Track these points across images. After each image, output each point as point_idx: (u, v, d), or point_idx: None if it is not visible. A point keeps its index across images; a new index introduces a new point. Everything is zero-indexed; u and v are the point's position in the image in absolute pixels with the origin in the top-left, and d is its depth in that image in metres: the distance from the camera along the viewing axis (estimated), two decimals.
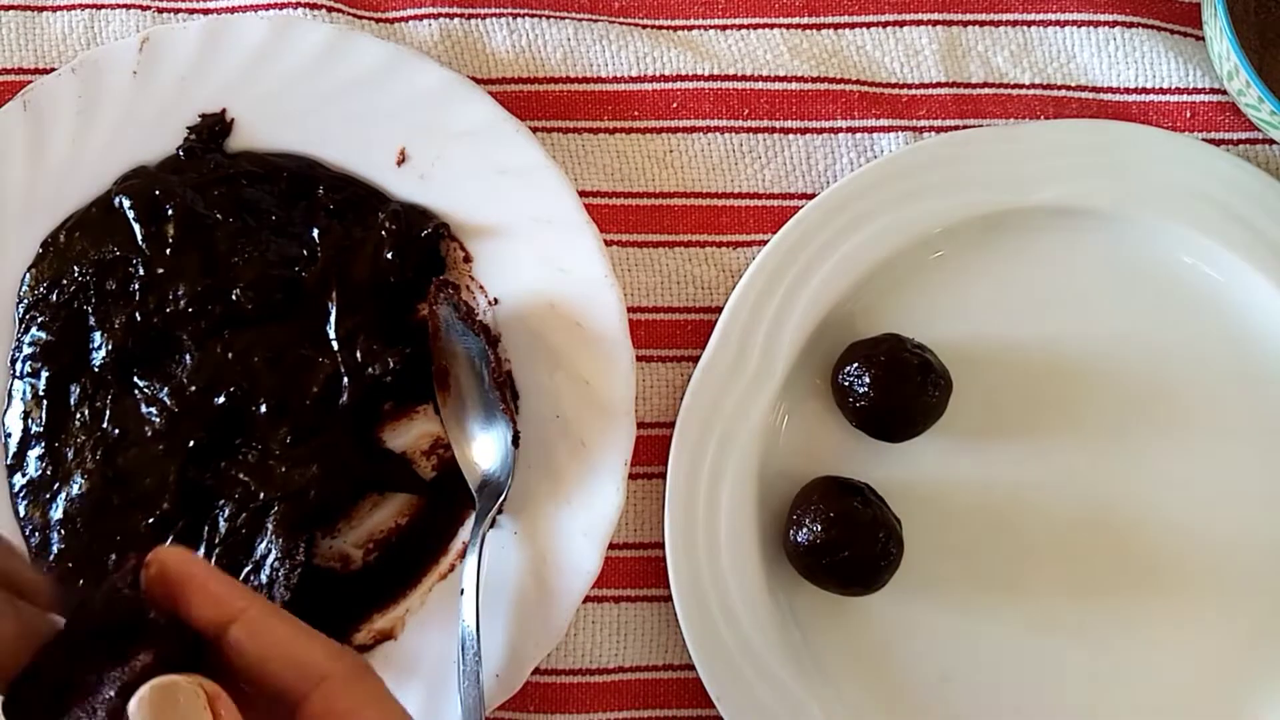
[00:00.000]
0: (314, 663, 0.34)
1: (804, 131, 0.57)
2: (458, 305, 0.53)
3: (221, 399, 0.53)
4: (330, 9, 0.57)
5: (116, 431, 0.53)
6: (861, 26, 0.58)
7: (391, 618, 0.53)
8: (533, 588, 0.52)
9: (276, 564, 0.51)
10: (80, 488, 0.53)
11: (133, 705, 0.31)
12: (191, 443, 0.52)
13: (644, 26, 0.58)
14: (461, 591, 0.51)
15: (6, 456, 0.54)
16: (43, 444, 0.53)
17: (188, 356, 0.53)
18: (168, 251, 0.54)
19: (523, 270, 0.54)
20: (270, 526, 0.52)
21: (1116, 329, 0.56)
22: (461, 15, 0.58)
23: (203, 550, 0.52)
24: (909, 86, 0.58)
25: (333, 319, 0.54)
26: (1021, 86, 0.58)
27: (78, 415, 0.53)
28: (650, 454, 0.55)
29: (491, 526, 0.53)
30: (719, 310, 0.54)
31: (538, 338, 0.54)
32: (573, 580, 0.52)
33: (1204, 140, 0.57)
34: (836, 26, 0.58)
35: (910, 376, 0.51)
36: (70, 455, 0.53)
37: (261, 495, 0.52)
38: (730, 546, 0.53)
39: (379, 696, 0.35)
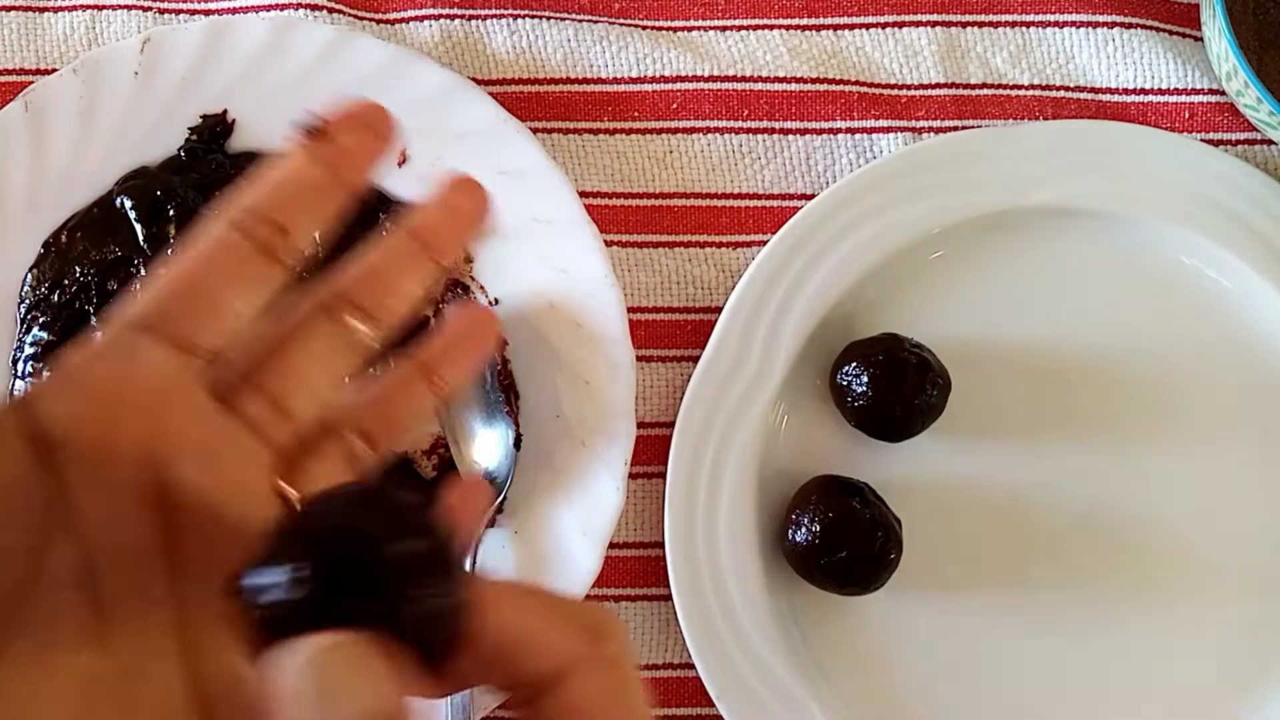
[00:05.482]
0: (566, 649, 0.28)
1: (803, 132, 0.57)
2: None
3: None
4: (331, 10, 0.57)
5: None
6: (861, 28, 0.58)
7: None
8: None
9: None
10: None
11: (302, 662, 0.24)
12: None
13: (644, 27, 0.58)
14: None
15: None
16: None
17: None
18: (169, 252, 0.54)
19: (523, 271, 0.55)
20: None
21: (1116, 329, 0.56)
22: (462, 16, 0.58)
23: None
24: (908, 87, 0.58)
25: None
26: (1020, 87, 0.58)
27: None
28: (650, 454, 0.55)
29: (491, 526, 0.53)
30: (719, 310, 0.54)
31: (538, 338, 0.54)
32: (572, 580, 0.52)
33: (1203, 141, 0.57)
34: (836, 27, 0.58)
35: (908, 376, 0.52)
36: None
37: None
38: (730, 546, 0.53)
39: (627, 688, 0.29)
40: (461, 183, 0.37)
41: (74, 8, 0.58)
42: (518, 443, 0.53)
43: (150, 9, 0.58)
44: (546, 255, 0.54)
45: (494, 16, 0.58)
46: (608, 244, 0.55)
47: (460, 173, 0.38)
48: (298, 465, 0.33)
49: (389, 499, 0.27)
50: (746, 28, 0.58)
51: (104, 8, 0.58)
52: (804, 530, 0.51)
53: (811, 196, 0.56)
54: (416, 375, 0.37)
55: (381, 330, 0.35)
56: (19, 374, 0.54)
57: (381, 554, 0.26)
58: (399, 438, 0.37)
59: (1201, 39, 0.58)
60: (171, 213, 0.54)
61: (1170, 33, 0.58)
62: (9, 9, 0.58)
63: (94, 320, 0.54)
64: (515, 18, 0.58)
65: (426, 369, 0.37)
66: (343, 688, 0.24)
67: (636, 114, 0.57)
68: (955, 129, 0.57)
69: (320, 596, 0.25)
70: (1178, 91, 0.58)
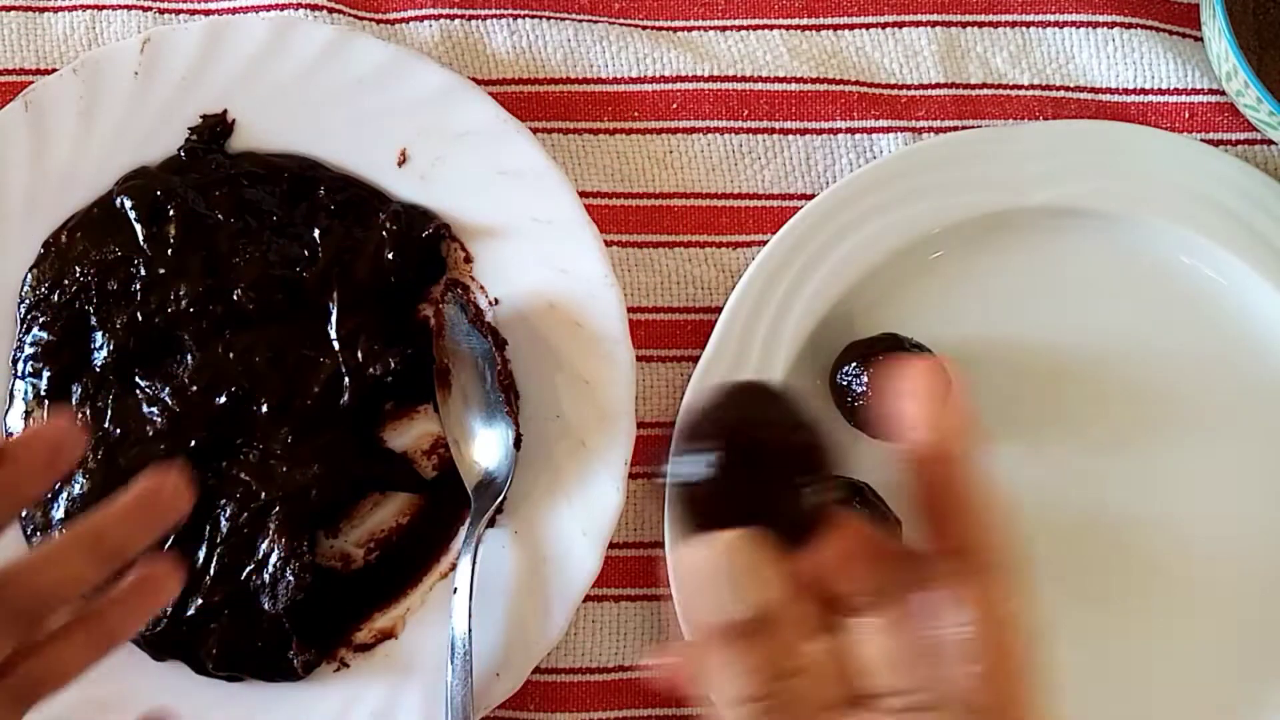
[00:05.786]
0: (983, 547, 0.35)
1: (803, 132, 0.57)
2: (466, 306, 0.54)
3: (223, 399, 0.53)
4: (331, 10, 0.57)
5: (118, 431, 0.53)
6: (861, 28, 0.58)
7: (392, 616, 0.53)
8: (532, 587, 0.52)
9: (281, 564, 0.52)
10: (82, 487, 0.53)
11: (713, 551, 0.32)
12: (193, 442, 0.53)
13: (644, 27, 0.58)
14: (455, 591, 0.51)
15: None
16: None
17: (189, 356, 0.53)
18: (169, 252, 0.54)
19: (523, 271, 0.55)
20: (272, 526, 0.52)
21: (1115, 329, 0.56)
22: (462, 16, 0.58)
23: (204, 549, 0.52)
24: (908, 87, 0.58)
25: (334, 319, 0.54)
26: (1020, 87, 0.58)
27: (79, 415, 0.53)
28: (650, 454, 0.55)
29: (491, 526, 0.53)
30: (719, 310, 0.54)
31: (538, 338, 0.54)
32: (573, 579, 0.52)
33: (1203, 141, 0.57)
34: (836, 27, 0.58)
35: None
36: None
37: (263, 495, 0.52)
38: None
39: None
40: (154, 483, 0.39)
41: (74, 8, 0.58)
42: (518, 443, 0.53)
43: (150, 9, 0.58)
44: (546, 255, 0.54)
45: (494, 16, 0.58)
46: (608, 244, 0.55)
47: (158, 470, 0.39)
48: None
49: (785, 398, 0.34)
50: (746, 28, 0.58)
51: (104, 8, 0.58)
52: None
53: (811, 196, 0.56)
54: (82, 626, 0.39)
55: (31, 616, 0.38)
56: (19, 374, 0.54)
57: (780, 447, 0.33)
58: (66, 681, 0.39)
59: (1201, 39, 0.58)
60: (171, 213, 0.54)
61: (1170, 33, 0.58)
62: (9, 9, 0.58)
63: (93, 320, 0.54)
64: (515, 18, 0.58)
65: (94, 622, 0.39)
66: (744, 579, 0.31)
67: (636, 114, 0.57)
68: (955, 129, 0.57)
69: (727, 481, 0.32)
70: (1178, 91, 0.58)
